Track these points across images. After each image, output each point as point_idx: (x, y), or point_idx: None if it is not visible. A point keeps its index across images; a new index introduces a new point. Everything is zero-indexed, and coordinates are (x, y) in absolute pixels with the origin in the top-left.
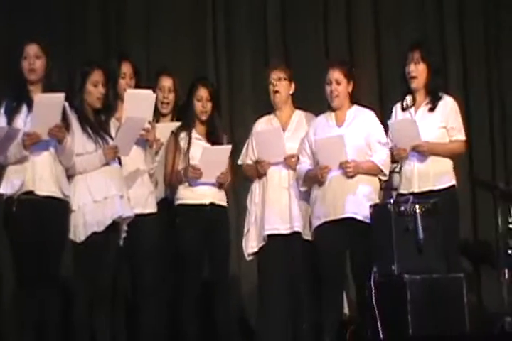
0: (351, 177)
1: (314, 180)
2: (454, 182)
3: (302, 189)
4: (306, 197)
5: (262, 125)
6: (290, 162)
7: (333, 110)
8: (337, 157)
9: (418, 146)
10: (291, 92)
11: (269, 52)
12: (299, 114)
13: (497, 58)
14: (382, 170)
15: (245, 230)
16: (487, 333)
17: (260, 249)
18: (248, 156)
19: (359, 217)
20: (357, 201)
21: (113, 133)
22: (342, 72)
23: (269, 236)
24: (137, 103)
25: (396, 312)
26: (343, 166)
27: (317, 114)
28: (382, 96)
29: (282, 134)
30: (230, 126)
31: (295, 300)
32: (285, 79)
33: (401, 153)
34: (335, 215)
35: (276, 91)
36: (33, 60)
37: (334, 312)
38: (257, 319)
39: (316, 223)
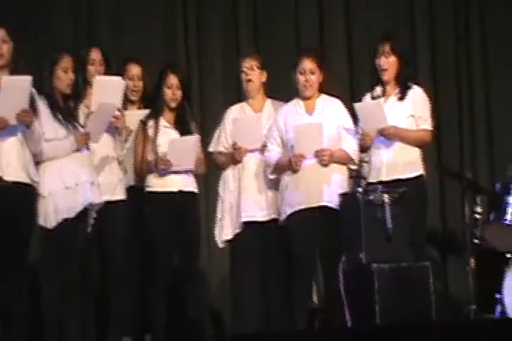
0: (325, 165)
1: (286, 168)
2: (422, 171)
3: (271, 177)
4: (275, 184)
5: (235, 113)
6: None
7: (303, 98)
8: (313, 145)
9: (384, 129)
10: (263, 81)
11: (240, 40)
12: (271, 103)
13: (466, 49)
14: (352, 159)
15: (218, 217)
16: (453, 321)
17: (236, 235)
18: (221, 144)
19: (333, 206)
20: (331, 189)
21: (81, 119)
22: (315, 61)
23: (244, 223)
24: (106, 89)
25: (364, 301)
26: (318, 154)
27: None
28: (352, 86)
29: (261, 121)
30: (199, 114)
31: (269, 287)
32: (257, 67)
33: (367, 140)
34: (309, 203)
35: (249, 80)
36: (0, 44)
37: (305, 300)
38: (231, 307)
39: (288, 211)
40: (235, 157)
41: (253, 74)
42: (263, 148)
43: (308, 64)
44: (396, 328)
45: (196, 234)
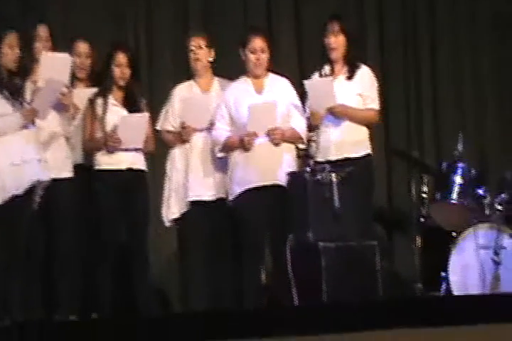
0: (277, 144)
1: (236, 147)
2: (369, 150)
3: (219, 155)
4: (223, 163)
5: (182, 91)
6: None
7: (252, 77)
8: (267, 124)
9: (333, 108)
10: (211, 59)
11: (189, 18)
12: (218, 81)
13: (414, 29)
14: (302, 138)
15: (165, 196)
16: (399, 299)
17: (182, 215)
18: (168, 122)
19: (284, 185)
20: (282, 168)
21: (28, 96)
22: (265, 40)
23: (191, 202)
24: (53, 66)
25: (311, 279)
26: (270, 133)
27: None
28: (300, 65)
29: (210, 101)
30: (148, 92)
31: (216, 265)
32: (205, 46)
33: (316, 119)
34: (262, 182)
35: (197, 59)
36: None
37: (254, 279)
38: (177, 285)
39: (238, 190)
40: (182, 136)
41: (201, 53)
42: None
43: (259, 42)
44: (343, 306)
45: (144, 212)
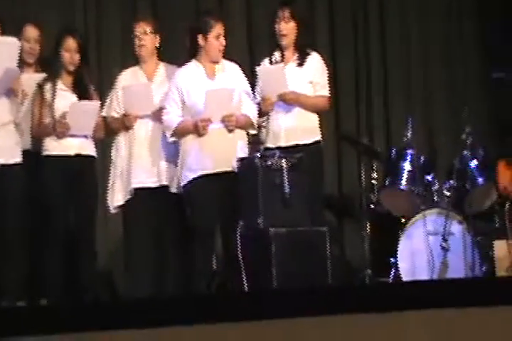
0: (231, 131)
1: (190, 132)
2: (319, 137)
3: (171, 140)
4: (173, 150)
5: (127, 77)
6: (159, 115)
7: (205, 62)
8: (222, 110)
9: (284, 94)
10: (156, 45)
11: (138, 3)
12: (164, 67)
13: (364, 15)
14: (253, 124)
15: (110, 183)
16: (348, 285)
17: (127, 202)
18: (113, 109)
19: (236, 171)
20: (235, 155)
21: None
22: (224, 26)
23: (135, 189)
24: (1, 51)
25: (261, 265)
26: (226, 119)
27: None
28: (251, 51)
29: (151, 89)
30: (97, 78)
31: (161, 252)
32: (151, 32)
33: (267, 105)
34: (214, 168)
35: (142, 45)
36: None
37: (204, 265)
38: (123, 272)
39: (191, 176)
40: (125, 123)
41: (146, 39)
42: (156, 114)
43: (221, 28)
44: (292, 292)
45: (93, 198)
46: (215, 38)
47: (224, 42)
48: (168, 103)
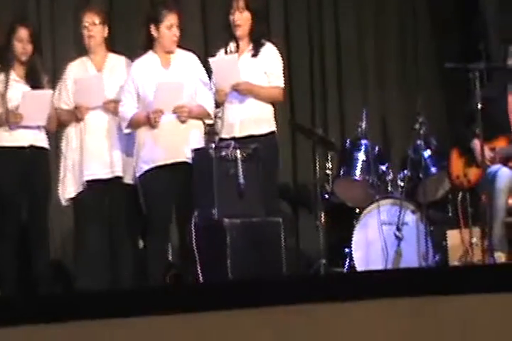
0: (184, 121)
1: (144, 123)
2: (274, 128)
3: (126, 131)
4: (128, 140)
5: (75, 69)
6: (110, 107)
7: (160, 52)
8: (173, 101)
9: (238, 85)
10: (105, 36)
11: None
12: (113, 58)
13: (318, 5)
14: (209, 114)
15: (61, 175)
16: (303, 276)
17: (79, 193)
18: (62, 100)
19: (190, 161)
20: (189, 146)
21: None
22: (179, 16)
23: (88, 181)
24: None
25: (216, 256)
26: (177, 111)
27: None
28: (207, 41)
29: (102, 80)
30: (51, 68)
31: (115, 243)
32: (100, 23)
33: (221, 96)
34: (168, 160)
35: (91, 36)
36: None
37: (159, 256)
38: (75, 263)
39: (145, 167)
40: (76, 115)
41: (95, 29)
42: (108, 105)
43: (175, 18)
44: (247, 283)
45: (45, 190)
46: (168, 28)
47: (177, 33)
48: (123, 95)
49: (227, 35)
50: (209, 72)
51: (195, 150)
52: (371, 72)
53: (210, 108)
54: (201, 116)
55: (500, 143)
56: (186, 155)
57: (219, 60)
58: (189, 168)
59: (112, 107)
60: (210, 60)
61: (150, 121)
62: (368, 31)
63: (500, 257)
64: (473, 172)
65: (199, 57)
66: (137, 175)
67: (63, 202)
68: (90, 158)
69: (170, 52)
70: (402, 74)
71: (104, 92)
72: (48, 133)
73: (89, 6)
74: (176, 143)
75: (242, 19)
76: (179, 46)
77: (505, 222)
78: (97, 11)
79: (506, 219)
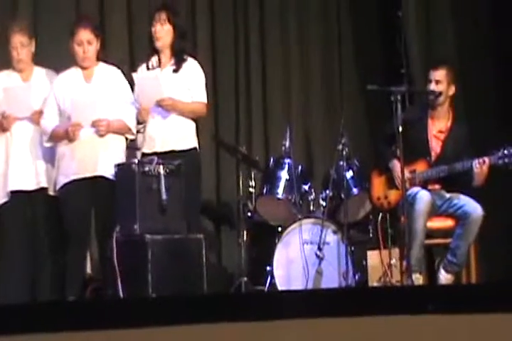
0: (102, 135)
1: (63, 137)
2: (195, 144)
3: (47, 145)
4: (51, 153)
5: (2, 79)
6: (36, 118)
7: (81, 67)
8: (90, 115)
9: (162, 101)
10: (32, 51)
11: (18, 5)
12: (39, 71)
13: (244, 23)
14: (131, 129)
15: None
16: (224, 293)
17: (3, 204)
18: None
19: (109, 176)
20: (107, 160)
21: None
22: (93, 31)
23: (12, 192)
24: None
25: (137, 272)
26: (95, 124)
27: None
28: (132, 54)
29: (30, 91)
30: None
31: (36, 255)
32: (27, 43)
33: (143, 114)
34: (84, 173)
35: (20, 60)
36: None
37: (77, 270)
38: None
39: (64, 180)
40: (3, 125)
41: (23, 52)
42: (34, 116)
43: (84, 34)
44: (167, 299)
45: None
46: (78, 45)
47: (89, 49)
48: (46, 108)
49: (149, 48)
50: (133, 85)
51: (118, 165)
52: (296, 91)
53: (132, 123)
54: (121, 130)
55: (420, 166)
56: (104, 170)
57: (141, 76)
58: (108, 183)
59: (38, 118)
60: (134, 75)
61: (68, 135)
62: (293, 49)
63: (418, 279)
64: (394, 194)
65: (124, 71)
66: (57, 187)
67: None
68: (15, 168)
69: (86, 68)
70: (326, 94)
71: (30, 103)
72: None
73: (16, 26)
74: (93, 157)
75: (163, 31)
76: (103, 60)
77: (423, 244)
78: (23, 31)
79: (425, 242)
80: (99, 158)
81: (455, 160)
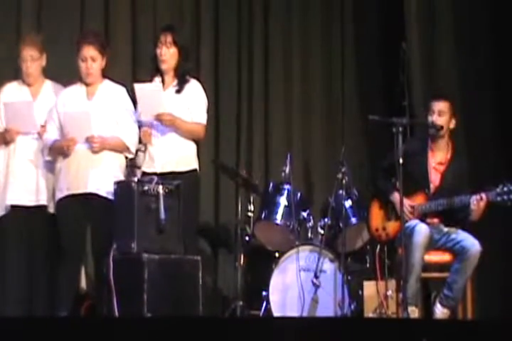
0: (96, 152)
1: (60, 152)
2: (196, 166)
3: (47, 159)
4: (52, 168)
5: (11, 91)
6: (42, 132)
7: (85, 84)
8: (83, 131)
9: (161, 115)
10: (43, 65)
11: (23, 26)
12: (49, 85)
13: (248, 45)
14: (128, 148)
15: None
16: (219, 316)
17: (1, 217)
18: None
19: (102, 193)
20: (101, 176)
21: None
22: (97, 48)
23: (12, 206)
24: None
25: (133, 290)
26: (89, 141)
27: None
28: (135, 74)
29: (33, 107)
30: None
31: (33, 271)
32: (38, 57)
33: (146, 137)
34: (77, 189)
35: (30, 74)
36: None
37: (71, 286)
38: None
39: (59, 195)
40: (5, 138)
41: (33, 66)
42: (41, 130)
43: (89, 51)
44: (162, 319)
45: None
46: (82, 61)
47: (93, 66)
48: (48, 122)
49: (153, 69)
50: (135, 104)
51: (118, 183)
52: (297, 117)
53: (130, 142)
54: (118, 148)
55: (419, 200)
56: (96, 187)
57: (143, 86)
58: (102, 201)
59: (44, 132)
60: (135, 86)
61: (63, 150)
62: (295, 75)
63: (413, 311)
64: (392, 226)
65: (128, 90)
66: (55, 201)
67: None
68: (16, 182)
69: (90, 84)
70: (328, 122)
71: (34, 119)
72: None
73: (28, 39)
74: (84, 174)
75: (168, 54)
76: (110, 78)
77: (420, 276)
78: (36, 45)
79: (421, 275)
80: (89, 174)
81: (453, 193)
